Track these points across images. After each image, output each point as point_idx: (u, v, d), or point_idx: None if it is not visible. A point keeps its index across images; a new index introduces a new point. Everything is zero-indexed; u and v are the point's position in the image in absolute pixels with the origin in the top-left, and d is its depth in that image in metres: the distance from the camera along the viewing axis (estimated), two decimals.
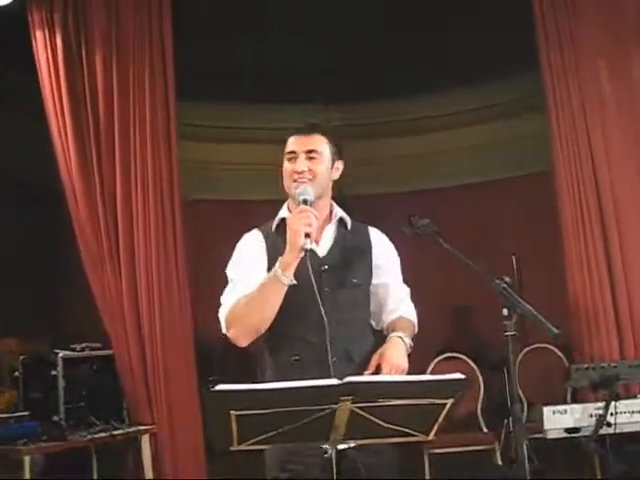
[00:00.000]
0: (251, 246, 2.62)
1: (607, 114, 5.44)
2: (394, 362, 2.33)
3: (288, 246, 2.36)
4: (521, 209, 8.59)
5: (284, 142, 2.65)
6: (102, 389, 5.05)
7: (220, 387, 1.73)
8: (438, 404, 1.86)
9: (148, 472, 4.98)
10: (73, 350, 5.00)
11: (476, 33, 7.11)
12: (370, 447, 2.20)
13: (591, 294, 5.32)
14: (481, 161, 8.87)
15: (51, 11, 5.35)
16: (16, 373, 4.92)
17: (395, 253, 2.73)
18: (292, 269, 2.36)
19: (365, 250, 2.63)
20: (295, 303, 2.41)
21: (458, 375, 1.87)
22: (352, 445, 2.15)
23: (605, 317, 5.29)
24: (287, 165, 2.58)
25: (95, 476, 5.20)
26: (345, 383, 1.79)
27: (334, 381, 1.82)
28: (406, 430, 1.92)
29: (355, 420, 1.83)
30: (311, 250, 2.38)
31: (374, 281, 2.63)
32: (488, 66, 7.72)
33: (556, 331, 2.11)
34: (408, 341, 2.48)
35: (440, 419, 1.92)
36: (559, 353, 6.02)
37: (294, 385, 1.78)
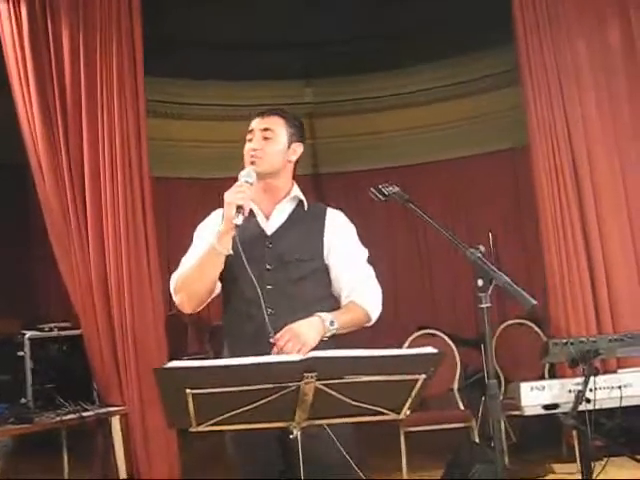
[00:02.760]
0: (209, 222, 2.75)
1: (583, 83, 5.39)
2: (293, 330, 2.38)
3: (224, 218, 2.49)
4: (497, 185, 8.57)
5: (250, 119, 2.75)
6: (71, 370, 4.93)
7: (172, 364, 1.62)
8: (409, 380, 1.75)
9: (119, 454, 4.88)
10: (41, 330, 4.88)
11: (452, 7, 7.01)
12: (311, 430, 2.11)
13: (568, 269, 5.29)
14: (455, 137, 8.81)
15: None
16: None
17: (351, 235, 2.74)
18: (226, 239, 2.47)
19: (317, 229, 2.68)
20: (239, 277, 2.54)
21: (430, 349, 1.77)
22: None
23: (582, 292, 5.27)
24: (247, 144, 2.69)
25: (65, 458, 5.10)
26: (309, 358, 1.68)
27: (297, 356, 1.71)
28: (376, 408, 1.82)
29: (321, 398, 1.73)
30: (259, 228, 2.60)
31: (328, 262, 2.66)
32: (464, 41, 7.65)
33: (533, 302, 2.01)
34: (329, 321, 2.48)
35: (412, 396, 1.82)
36: (537, 329, 5.96)
37: (254, 361, 1.66)
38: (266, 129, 2.67)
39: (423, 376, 1.76)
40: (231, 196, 2.45)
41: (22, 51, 5.15)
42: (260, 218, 2.69)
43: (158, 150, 6.62)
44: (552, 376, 5.39)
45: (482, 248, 2.11)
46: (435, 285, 8.83)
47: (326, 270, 2.66)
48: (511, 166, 8.34)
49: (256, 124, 2.70)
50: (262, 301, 2.42)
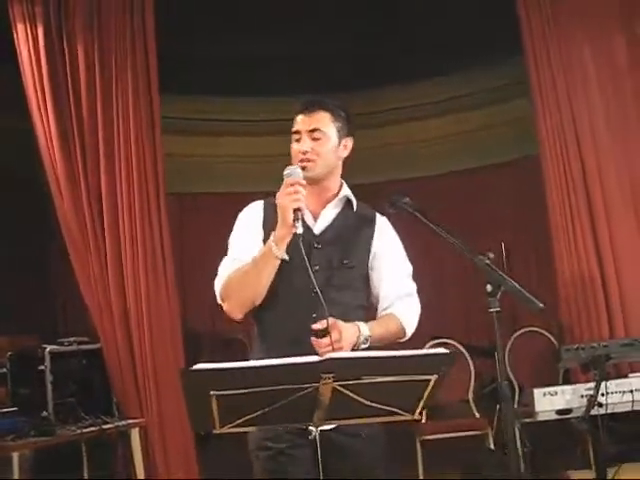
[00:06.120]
0: (248, 218, 2.60)
1: (591, 95, 5.45)
2: (346, 336, 2.27)
3: (279, 222, 2.35)
4: (509, 195, 8.60)
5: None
6: (91, 383, 5.00)
7: (198, 366, 1.70)
8: (422, 381, 1.82)
9: (138, 466, 4.94)
10: (61, 344, 4.95)
11: (459, 20, 7.09)
12: (350, 428, 2.20)
13: (580, 276, 5.33)
14: (466, 148, 8.87)
15: (32, 3, 5.30)
16: (4, 369, 4.86)
17: (399, 248, 2.65)
18: (285, 243, 2.34)
19: (366, 234, 2.56)
20: (287, 280, 2.41)
21: (442, 350, 1.84)
22: (332, 427, 2.14)
23: (595, 299, 5.30)
24: (294, 145, 2.54)
25: (85, 471, 5.16)
26: (326, 359, 1.75)
27: (315, 357, 1.78)
28: (391, 409, 1.89)
29: (338, 399, 1.79)
30: (306, 227, 2.40)
31: (371, 270, 2.56)
32: (472, 53, 7.70)
33: (541, 305, 2.08)
34: (364, 337, 2.36)
35: (425, 397, 1.89)
36: (550, 336, 6.01)
37: (273, 363, 1.74)
38: (314, 130, 2.49)
39: (435, 376, 1.83)
40: (286, 200, 2.32)
41: (39, 70, 5.25)
42: (307, 217, 2.51)
43: (175, 166, 6.74)
44: (567, 382, 5.42)
45: (491, 255, 2.18)
46: (447, 294, 8.85)
47: (368, 278, 2.56)
48: (522, 176, 8.38)
49: (302, 124, 2.52)
50: (320, 299, 2.23)
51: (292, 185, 2.33)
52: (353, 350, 2.31)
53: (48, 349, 4.79)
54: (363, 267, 2.53)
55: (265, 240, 2.44)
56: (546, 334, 6.05)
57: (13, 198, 6.97)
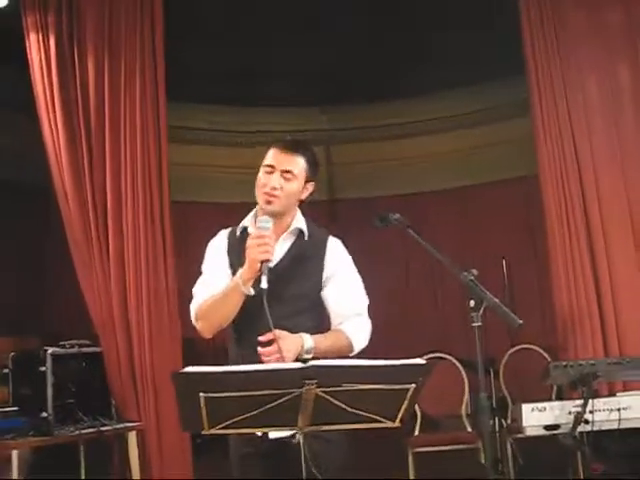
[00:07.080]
0: (215, 247, 2.85)
1: (592, 117, 5.50)
2: (286, 346, 2.46)
3: (246, 266, 2.53)
4: (511, 213, 8.65)
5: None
6: (90, 386, 5.08)
7: (188, 369, 1.78)
8: (401, 389, 1.91)
9: (135, 468, 5.02)
10: (62, 347, 5.03)
11: (462, 38, 7.16)
12: (320, 435, 2.27)
13: (576, 295, 5.36)
14: (469, 165, 8.94)
15: (45, 13, 5.41)
16: (5, 370, 4.94)
17: (349, 269, 2.80)
18: (251, 283, 2.54)
19: (316, 264, 2.73)
20: (250, 310, 2.58)
21: (419, 360, 1.93)
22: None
23: (590, 318, 5.33)
24: (262, 176, 2.72)
25: (82, 472, 5.23)
26: (309, 366, 1.85)
27: (298, 364, 1.87)
28: (372, 416, 1.97)
29: (321, 405, 1.88)
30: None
31: (323, 293, 2.74)
32: (474, 71, 7.78)
33: (519, 321, 2.17)
34: (306, 349, 2.55)
35: (405, 405, 1.97)
36: (545, 354, 6.06)
37: (260, 368, 1.83)
38: (288, 171, 2.68)
39: (413, 386, 1.91)
40: (255, 252, 2.49)
41: (50, 79, 5.34)
42: None
43: (177, 174, 6.81)
44: (560, 399, 5.46)
45: (474, 271, 2.27)
46: (449, 309, 8.89)
47: (320, 301, 2.74)
48: (525, 193, 8.43)
49: (277, 162, 2.69)
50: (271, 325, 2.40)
51: (262, 237, 2.52)
52: (297, 360, 2.46)
53: (50, 351, 4.86)
54: (313, 295, 2.73)
55: (231, 265, 2.73)
56: (541, 352, 6.10)
57: (18, 201, 7.06)
